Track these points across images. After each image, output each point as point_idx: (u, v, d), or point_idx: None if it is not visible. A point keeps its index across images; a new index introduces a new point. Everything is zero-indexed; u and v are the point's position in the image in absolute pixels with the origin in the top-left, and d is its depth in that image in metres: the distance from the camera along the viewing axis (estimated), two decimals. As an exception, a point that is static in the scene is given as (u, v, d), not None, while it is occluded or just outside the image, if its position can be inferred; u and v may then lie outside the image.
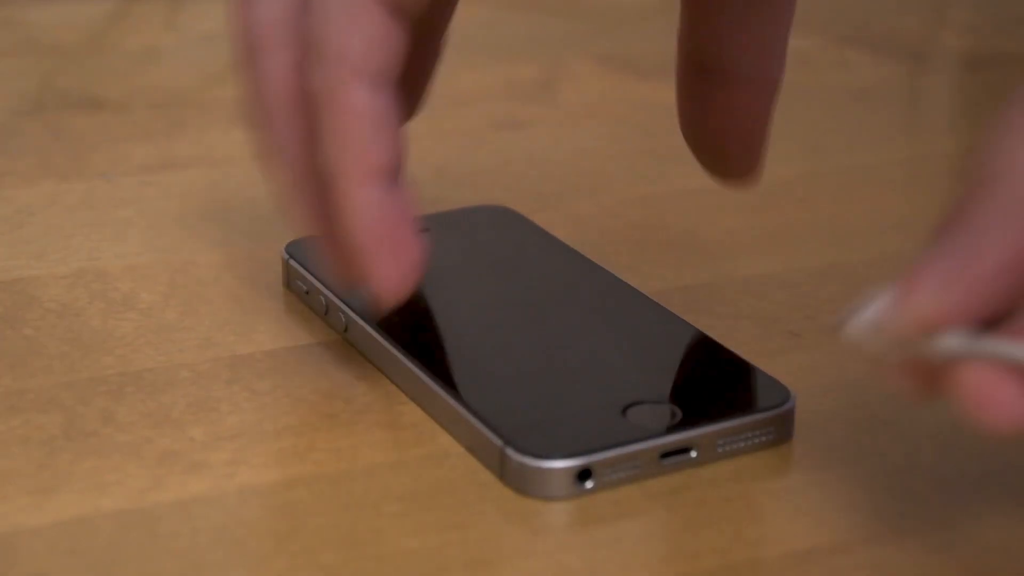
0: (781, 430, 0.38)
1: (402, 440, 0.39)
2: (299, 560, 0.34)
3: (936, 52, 0.71)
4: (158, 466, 0.37)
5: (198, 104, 0.61)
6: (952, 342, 0.32)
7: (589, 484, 0.36)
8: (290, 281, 0.46)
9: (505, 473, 0.37)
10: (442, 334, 0.42)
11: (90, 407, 0.40)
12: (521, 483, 0.37)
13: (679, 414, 0.38)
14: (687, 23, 0.43)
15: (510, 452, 0.37)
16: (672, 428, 0.37)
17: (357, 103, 0.36)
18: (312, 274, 0.44)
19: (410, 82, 0.40)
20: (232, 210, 0.51)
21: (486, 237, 0.48)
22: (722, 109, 0.43)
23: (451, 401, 0.39)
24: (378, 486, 0.37)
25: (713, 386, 0.40)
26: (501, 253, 0.47)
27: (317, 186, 0.38)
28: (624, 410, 0.38)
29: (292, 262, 0.45)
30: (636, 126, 0.60)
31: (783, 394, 0.39)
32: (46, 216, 0.51)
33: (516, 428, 0.37)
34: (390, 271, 0.37)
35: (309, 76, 0.37)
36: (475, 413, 0.38)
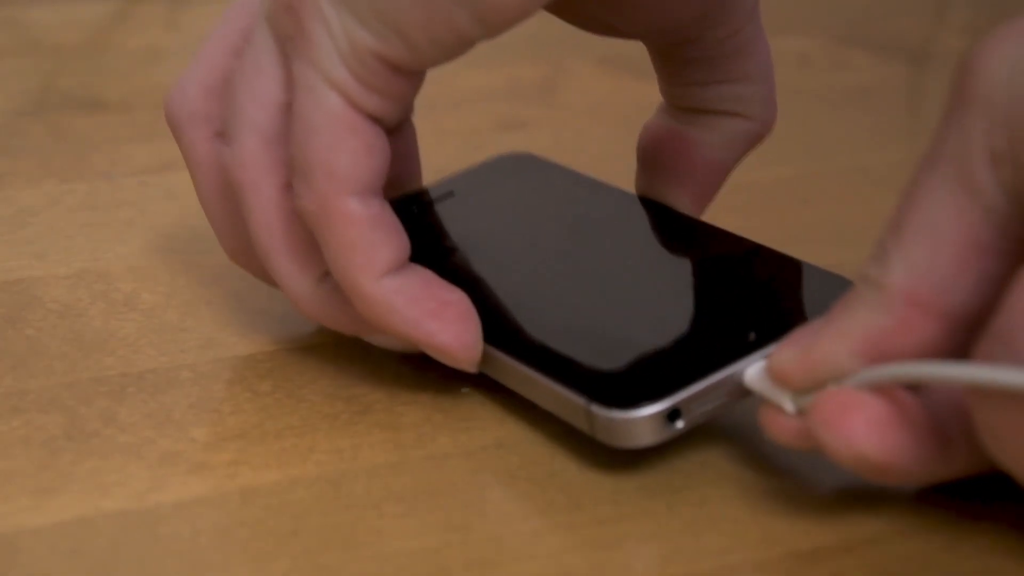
0: None
1: (403, 441, 0.39)
2: (300, 561, 0.34)
3: (936, 52, 0.71)
4: (159, 467, 0.38)
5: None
6: (860, 376, 0.34)
7: (680, 424, 0.36)
8: None
9: (595, 430, 0.36)
10: (497, 299, 0.41)
11: (91, 407, 0.40)
12: (612, 436, 0.36)
13: (753, 333, 0.37)
14: (663, 75, 0.44)
15: (596, 409, 0.36)
16: (750, 348, 0.37)
17: (351, 215, 0.37)
18: None
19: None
20: (233, 210, 0.51)
21: (513, 186, 0.47)
22: (695, 141, 0.44)
23: (524, 368, 0.38)
24: (379, 487, 0.37)
25: (778, 296, 0.39)
26: (533, 200, 0.46)
27: (341, 296, 0.39)
28: (698, 340, 0.38)
29: None
30: (636, 126, 0.59)
31: (845, 287, 0.37)
32: (48, 216, 0.51)
33: (596, 382, 0.37)
34: (449, 336, 0.38)
35: (298, 197, 0.38)
36: (551, 375, 0.37)
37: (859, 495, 0.36)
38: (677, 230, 0.43)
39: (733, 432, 0.38)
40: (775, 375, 0.35)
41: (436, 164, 0.54)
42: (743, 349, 0.37)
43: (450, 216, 0.45)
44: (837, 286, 0.38)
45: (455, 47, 0.36)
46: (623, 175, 0.46)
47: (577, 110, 0.63)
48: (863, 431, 0.33)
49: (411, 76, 0.37)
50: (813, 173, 0.56)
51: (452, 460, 0.38)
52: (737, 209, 0.52)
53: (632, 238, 0.43)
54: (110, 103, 0.62)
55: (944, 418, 0.34)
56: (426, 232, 0.44)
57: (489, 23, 0.36)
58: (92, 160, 0.56)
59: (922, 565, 0.34)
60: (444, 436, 0.39)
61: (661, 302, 0.40)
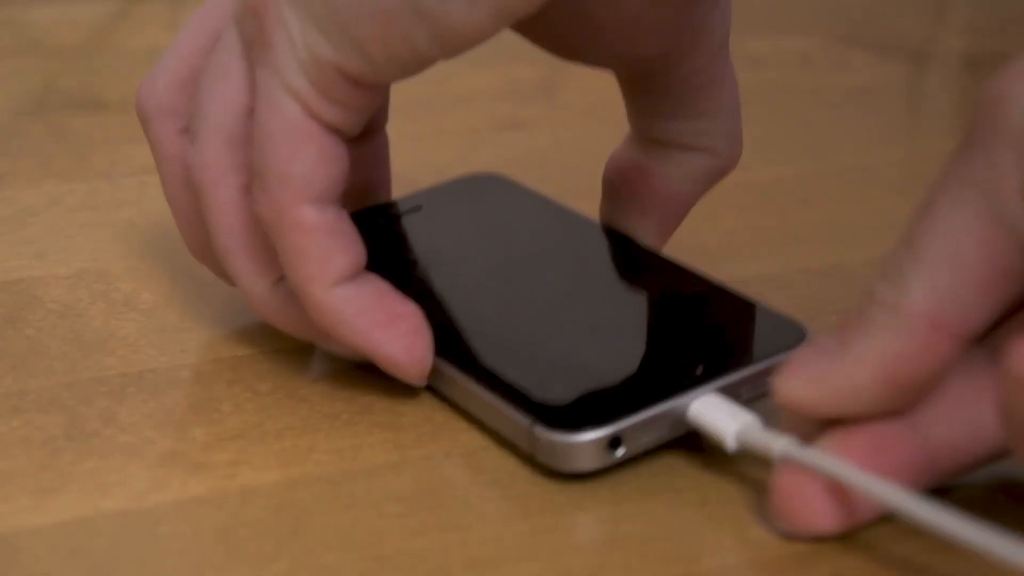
0: None
1: (403, 441, 0.39)
2: (300, 561, 0.34)
3: (936, 52, 0.71)
4: (159, 467, 0.38)
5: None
6: (785, 448, 0.34)
7: (620, 452, 0.36)
8: None
9: (536, 451, 0.37)
10: (451, 315, 0.41)
11: (92, 407, 0.40)
12: (553, 459, 0.36)
13: (700, 367, 0.38)
14: (631, 106, 0.44)
15: (538, 430, 0.36)
16: (695, 382, 0.37)
17: (305, 223, 0.37)
18: None
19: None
20: (233, 210, 0.51)
21: (480, 206, 0.47)
22: (658, 174, 0.44)
23: (470, 385, 0.38)
24: (379, 487, 0.37)
25: (729, 334, 0.40)
26: (498, 221, 0.46)
27: (297, 301, 0.39)
28: (645, 371, 0.38)
29: None
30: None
31: (799, 333, 0.39)
32: (48, 216, 0.51)
33: (541, 404, 0.37)
34: (396, 348, 0.38)
35: (256, 202, 0.38)
36: (497, 394, 0.38)
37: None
38: (636, 262, 0.44)
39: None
40: (788, 405, 0.35)
41: (435, 164, 0.54)
42: (689, 383, 0.37)
43: (414, 230, 0.46)
44: (790, 330, 0.39)
45: (412, 65, 0.36)
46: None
47: (576, 110, 0.63)
48: (824, 514, 0.34)
49: (371, 89, 0.37)
50: (813, 173, 0.56)
51: (452, 460, 0.38)
52: (737, 209, 0.52)
53: (591, 266, 0.44)
54: (110, 103, 0.62)
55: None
56: (389, 244, 0.45)
57: (447, 43, 0.36)
58: (92, 160, 0.56)
59: (922, 565, 0.34)
60: (444, 436, 0.39)
61: (612, 331, 0.40)
